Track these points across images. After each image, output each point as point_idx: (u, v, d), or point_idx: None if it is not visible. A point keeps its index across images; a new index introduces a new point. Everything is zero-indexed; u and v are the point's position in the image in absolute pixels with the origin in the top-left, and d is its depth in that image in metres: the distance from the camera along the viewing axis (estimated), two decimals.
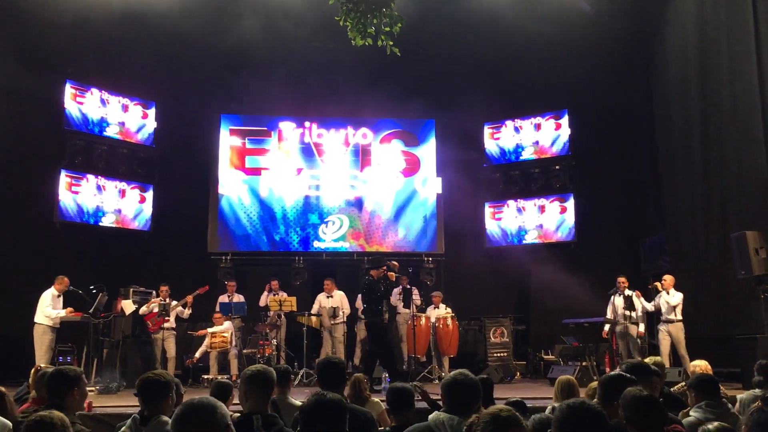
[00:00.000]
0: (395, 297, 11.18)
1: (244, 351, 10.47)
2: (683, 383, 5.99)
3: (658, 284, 9.72)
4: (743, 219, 8.97)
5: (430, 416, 3.23)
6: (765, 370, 5.30)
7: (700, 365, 5.83)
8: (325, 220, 13.10)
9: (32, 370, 5.87)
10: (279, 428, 3.27)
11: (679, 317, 9.54)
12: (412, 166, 13.46)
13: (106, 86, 12.27)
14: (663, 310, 9.64)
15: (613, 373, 3.62)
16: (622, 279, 10.08)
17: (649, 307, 9.84)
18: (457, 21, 12.17)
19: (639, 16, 11.82)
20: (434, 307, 11.10)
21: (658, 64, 11.54)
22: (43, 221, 11.24)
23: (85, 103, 11.99)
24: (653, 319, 10.16)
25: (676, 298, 9.56)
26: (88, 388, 8.61)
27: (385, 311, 9.31)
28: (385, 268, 9.18)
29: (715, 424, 2.87)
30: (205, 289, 10.77)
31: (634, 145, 12.68)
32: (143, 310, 10.22)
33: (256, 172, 13.19)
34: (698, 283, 10.11)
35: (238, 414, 3.55)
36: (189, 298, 10.57)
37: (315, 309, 11.11)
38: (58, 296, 9.54)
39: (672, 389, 5.69)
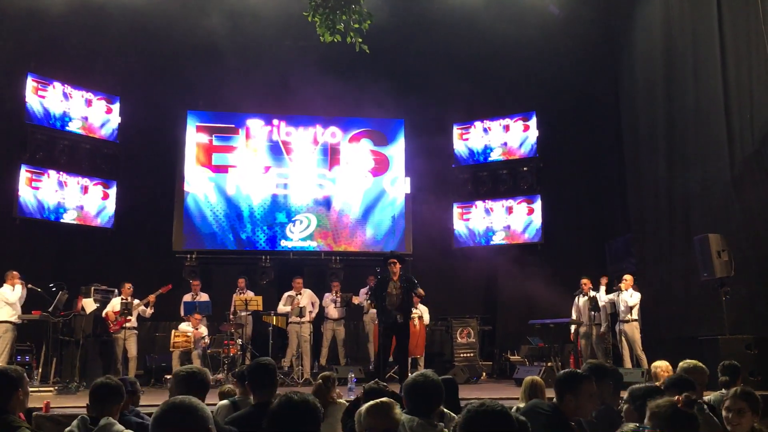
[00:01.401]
0: (362, 296, 11.13)
1: (209, 351, 10.32)
2: (646, 384, 6.02)
3: (621, 285, 9.82)
4: (707, 222, 9.10)
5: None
6: (729, 370, 5.34)
7: (661, 366, 5.86)
8: (293, 219, 13.00)
9: None
10: None
11: (635, 317, 9.66)
12: (381, 166, 13.43)
13: (70, 80, 12.00)
14: (620, 309, 9.77)
15: (566, 370, 3.65)
16: (585, 280, 10.22)
17: (605, 298, 9.98)
18: (427, 21, 12.19)
19: (607, 19, 11.95)
20: (413, 307, 10.98)
21: (625, 68, 11.67)
22: (2, 217, 10.95)
23: (47, 97, 11.71)
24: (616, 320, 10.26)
25: (634, 298, 9.69)
26: (46, 388, 8.48)
27: None
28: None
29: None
30: (168, 288, 10.59)
31: (601, 147, 12.81)
32: (107, 310, 10.02)
33: (223, 169, 13.03)
34: (662, 285, 10.23)
35: None
36: (151, 298, 10.38)
37: (282, 305, 10.98)
38: (13, 291, 9.27)
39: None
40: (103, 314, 10.13)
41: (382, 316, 8.64)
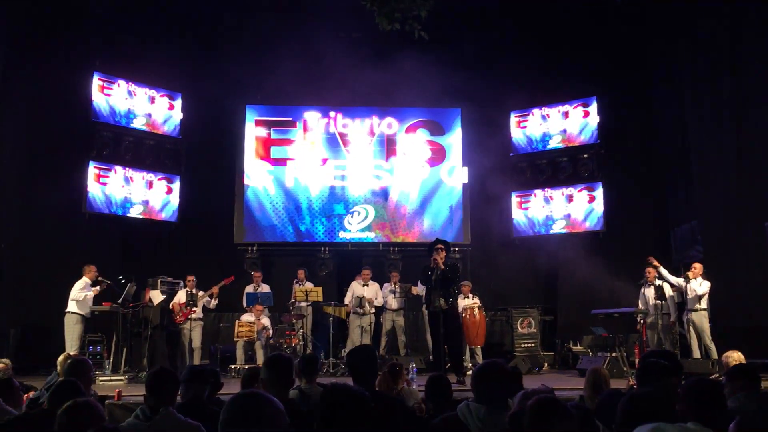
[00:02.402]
0: (421, 287, 11.12)
1: (271, 341, 10.49)
2: (718, 374, 5.87)
3: (689, 273, 9.53)
4: None
5: (459, 406, 3.19)
6: None
7: (734, 356, 5.69)
8: (351, 211, 13.08)
9: (60, 358, 5.94)
10: (302, 414, 3.24)
11: (704, 306, 9.37)
12: (438, 156, 13.36)
13: (133, 78, 12.33)
14: (689, 298, 9.47)
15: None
16: (650, 269, 9.94)
17: (673, 281, 9.69)
18: (482, 7, 12.03)
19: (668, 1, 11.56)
20: (463, 297, 10.98)
21: (687, 49, 11.28)
22: (72, 212, 11.34)
23: (113, 95, 12.06)
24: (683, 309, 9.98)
25: (703, 287, 9.39)
26: (117, 377, 8.78)
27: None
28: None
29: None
30: (231, 280, 10.82)
31: (663, 132, 12.43)
32: (173, 302, 10.31)
33: (281, 162, 13.19)
34: (731, 273, 9.90)
35: None
36: (215, 289, 10.62)
37: (348, 297, 11.12)
38: (91, 285, 9.68)
39: None
40: (170, 306, 10.43)
41: (428, 302, 8.70)
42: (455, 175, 13.23)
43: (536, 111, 13.33)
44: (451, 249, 10.60)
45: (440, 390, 4.18)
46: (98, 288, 9.84)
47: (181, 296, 10.45)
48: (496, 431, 3.01)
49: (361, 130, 13.31)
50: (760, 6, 9.37)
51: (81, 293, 9.54)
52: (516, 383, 4.65)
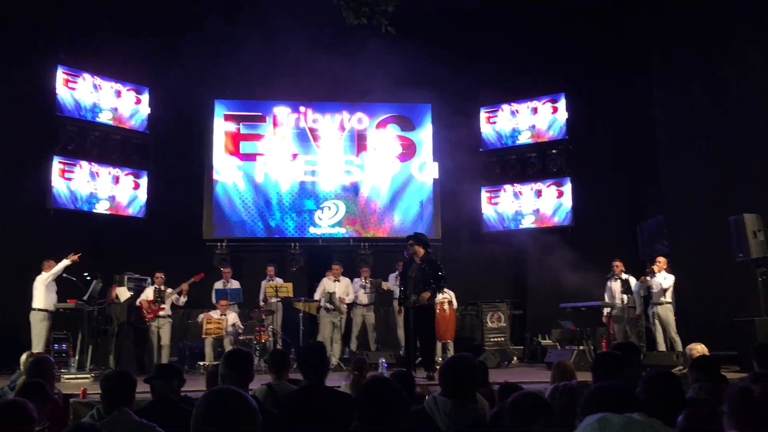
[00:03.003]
0: (392, 282, 11.16)
1: (240, 337, 10.42)
2: (681, 366, 5.96)
3: (654, 267, 9.67)
4: (743, 202, 8.91)
5: (426, 399, 3.21)
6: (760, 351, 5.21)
7: (697, 348, 5.78)
8: (321, 206, 13.04)
9: (24, 356, 5.84)
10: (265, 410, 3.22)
11: (669, 299, 9.52)
12: (408, 151, 13.38)
13: (99, 71, 12.13)
14: (654, 292, 9.62)
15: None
16: (617, 263, 10.09)
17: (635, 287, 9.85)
18: (452, 4, 12.04)
19: None
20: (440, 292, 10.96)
21: (658, 46, 11.41)
22: (37, 208, 11.13)
23: (78, 89, 11.86)
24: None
25: (668, 280, 9.54)
26: (83, 375, 8.65)
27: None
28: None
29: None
30: (201, 276, 10.72)
31: (631, 128, 12.56)
32: (141, 299, 10.19)
33: (251, 157, 13.09)
34: (696, 267, 10.07)
35: None
36: (184, 286, 10.51)
37: (318, 293, 11.06)
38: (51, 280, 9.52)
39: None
40: (137, 303, 10.30)
41: (402, 297, 8.70)
42: (426, 170, 13.25)
43: (506, 107, 13.42)
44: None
45: (404, 385, 4.18)
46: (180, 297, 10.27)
47: (148, 293, 10.33)
48: (463, 424, 3.02)
49: (331, 126, 13.27)
50: (731, 7, 9.53)
51: (47, 282, 9.38)
52: (483, 377, 4.69)
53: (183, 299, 10.69)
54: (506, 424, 2.57)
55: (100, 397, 3.51)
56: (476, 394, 3.66)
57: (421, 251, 8.74)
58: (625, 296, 9.81)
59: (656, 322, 9.60)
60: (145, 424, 3.28)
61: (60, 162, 11.47)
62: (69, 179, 11.55)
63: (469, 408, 3.14)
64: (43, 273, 9.52)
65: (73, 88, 11.79)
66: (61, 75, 11.60)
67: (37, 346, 9.00)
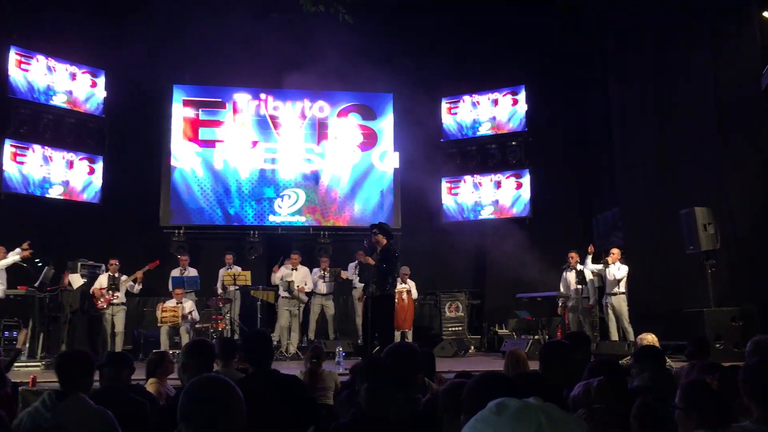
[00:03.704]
0: (351, 271, 11.15)
1: (197, 326, 10.31)
2: (629, 357, 6.09)
3: (608, 258, 9.86)
4: (694, 196, 9.13)
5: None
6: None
7: (648, 338, 5.92)
8: (281, 194, 12.95)
9: None
10: None
11: (623, 290, 9.71)
12: (370, 141, 13.37)
13: (53, 53, 11.81)
14: (608, 282, 9.81)
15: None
16: (572, 254, 10.25)
17: (591, 267, 10.02)
18: None
19: None
20: (401, 282, 11.01)
21: (614, 40, 11.59)
22: None
23: (31, 71, 11.54)
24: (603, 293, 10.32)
25: (621, 271, 9.73)
26: (33, 363, 8.47)
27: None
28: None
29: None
30: (156, 264, 10.55)
31: (589, 121, 12.79)
32: (94, 287, 10.00)
33: (210, 144, 12.93)
34: (649, 258, 10.29)
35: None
36: (139, 274, 10.34)
37: (276, 278, 10.94)
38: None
39: (620, 362, 5.77)
40: (91, 291, 10.11)
41: (363, 287, 8.74)
42: (386, 160, 13.26)
43: (467, 98, 13.49)
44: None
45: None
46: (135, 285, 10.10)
47: (102, 281, 10.14)
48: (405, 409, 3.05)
49: (292, 113, 13.17)
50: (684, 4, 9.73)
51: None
52: (429, 364, 4.74)
53: (138, 287, 10.52)
54: (440, 410, 2.58)
55: (57, 378, 3.30)
56: (426, 381, 3.70)
57: (383, 241, 8.77)
58: (579, 287, 9.98)
59: (609, 312, 9.79)
60: (101, 410, 3.07)
61: (12, 145, 11.17)
62: (21, 163, 11.26)
63: (408, 391, 3.17)
64: None
65: (26, 70, 11.48)
66: (13, 56, 11.28)
67: None
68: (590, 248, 10.28)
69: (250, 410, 2.06)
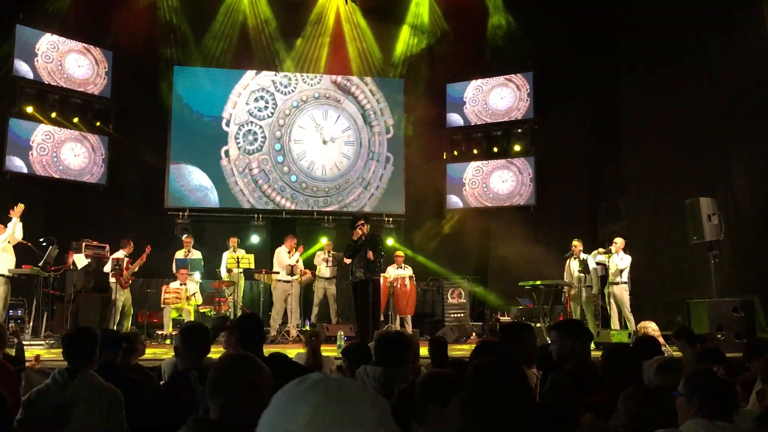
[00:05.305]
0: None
1: (200, 308, 10.35)
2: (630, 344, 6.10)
3: (612, 247, 9.82)
4: (699, 186, 9.10)
5: (357, 370, 3.31)
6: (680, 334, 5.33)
7: (647, 326, 5.93)
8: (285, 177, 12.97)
9: None
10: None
11: (625, 279, 9.68)
12: (377, 125, 13.34)
13: (60, 33, 11.80)
14: (611, 272, 9.78)
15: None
16: (576, 243, 10.20)
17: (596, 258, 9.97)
18: None
19: None
20: (396, 267, 11.05)
21: (625, 28, 11.52)
22: None
23: (37, 50, 11.53)
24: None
25: (624, 261, 9.68)
26: (37, 342, 8.51)
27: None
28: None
29: None
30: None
31: (597, 109, 12.71)
32: (121, 264, 9.99)
33: None
34: (652, 248, 10.28)
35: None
36: (135, 267, 10.24)
37: (278, 264, 10.96)
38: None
39: None
40: (115, 267, 9.99)
41: (350, 273, 8.98)
42: (392, 145, 13.24)
43: (473, 84, 13.43)
44: (384, 219, 10.60)
45: (362, 356, 4.22)
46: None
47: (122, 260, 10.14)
48: (390, 386, 3.08)
49: (296, 98, 13.17)
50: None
51: (4, 237, 9.10)
52: (440, 352, 4.77)
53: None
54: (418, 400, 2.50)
55: (64, 357, 3.32)
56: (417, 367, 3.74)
57: (366, 230, 8.98)
58: (582, 275, 9.96)
59: (611, 301, 9.77)
60: (110, 387, 3.18)
61: (17, 125, 11.17)
62: (27, 143, 11.27)
63: (399, 373, 3.20)
64: None
65: (33, 49, 11.46)
66: (20, 35, 11.26)
67: None
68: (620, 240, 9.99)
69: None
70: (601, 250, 9.94)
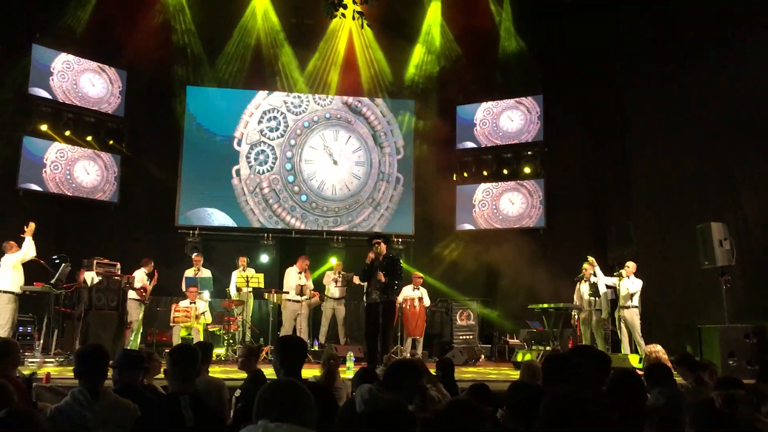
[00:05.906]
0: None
1: (209, 327, 10.36)
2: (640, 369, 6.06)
3: (623, 271, 9.79)
4: (710, 210, 9.08)
5: (359, 389, 3.31)
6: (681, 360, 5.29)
7: (655, 349, 5.88)
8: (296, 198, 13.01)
9: None
10: (207, 409, 3.17)
11: (636, 304, 9.63)
12: (387, 146, 13.40)
13: (75, 53, 11.95)
14: (621, 295, 9.73)
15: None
16: (587, 266, 10.16)
17: (608, 282, 9.87)
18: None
19: (614, 4, 11.80)
20: (413, 288, 10.97)
21: (632, 53, 11.56)
22: (6, 188, 10.96)
23: (53, 69, 11.67)
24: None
25: (635, 285, 9.63)
26: (47, 359, 8.52)
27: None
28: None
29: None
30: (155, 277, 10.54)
31: (606, 132, 12.71)
32: (143, 282, 10.08)
33: None
34: (663, 272, 10.23)
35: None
36: (148, 288, 10.32)
37: (288, 285, 10.95)
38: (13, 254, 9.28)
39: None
40: (140, 285, 10.11)
41: (365, 295, 8.64)
42: (402, 166, 13.29)
43: (483, 106, 13.48)
44: (393, 239, 10.54)
45: (368, 381, 4.20)
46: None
47: (142, 277, 10.22)
48: (373, 407, 3.10)
49: (307, 118, 13.25)
50: (704, 15, 9.70)
51: (14, 263, 9.13)
52: (448, 373, 4.77)
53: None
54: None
55: (78, 375, 3.29)
56: (429, 393, 3.75)
57: (384, 249, 8.67)
58: (592, 298, 9.92)
59: (622, 325, 9.72)
60: (129, 403, 3.20)
61: (32, 143, 11.29)
62: (40, 160, 11.37)
63: (384, 394, 3.18)
64: (7, 254, 9.27)
65: (48, 68, 11.60)
66: (35, 55, 11.40)
67: (3, 329, 8.82)
68: (631, 264, 9.91)
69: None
70: (605, 278, 9.89)
